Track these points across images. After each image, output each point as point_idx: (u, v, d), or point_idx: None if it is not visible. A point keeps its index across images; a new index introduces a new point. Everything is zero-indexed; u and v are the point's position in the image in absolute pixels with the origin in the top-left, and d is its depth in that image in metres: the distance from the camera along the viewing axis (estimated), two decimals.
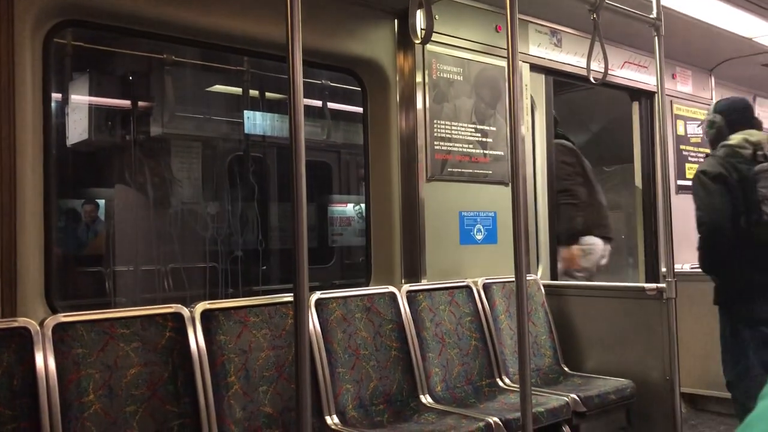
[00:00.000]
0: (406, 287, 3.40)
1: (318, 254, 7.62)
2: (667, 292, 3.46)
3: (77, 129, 6.04)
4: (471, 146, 3.88)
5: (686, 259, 5.14)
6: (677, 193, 5.28)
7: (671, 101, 5.45)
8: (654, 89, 4.25)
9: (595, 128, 8.65)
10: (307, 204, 1.85)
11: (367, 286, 3.55)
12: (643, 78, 5.19)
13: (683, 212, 5.25)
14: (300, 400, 1.88)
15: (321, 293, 3.07)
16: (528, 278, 3.95)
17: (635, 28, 3.80)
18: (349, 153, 8.07)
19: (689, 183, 5.40)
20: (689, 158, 5.48)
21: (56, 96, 5.54)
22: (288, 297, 2.86)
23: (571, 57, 4.59)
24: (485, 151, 3.94)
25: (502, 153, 3.99)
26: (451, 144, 3.78)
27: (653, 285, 3.57)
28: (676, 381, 3.43)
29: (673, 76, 5.52)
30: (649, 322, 3.58)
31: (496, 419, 2.88)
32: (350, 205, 8.25)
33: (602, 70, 3.67)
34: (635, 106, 5.42)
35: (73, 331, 2.35)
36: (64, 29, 2.77)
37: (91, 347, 2.37)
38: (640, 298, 3.62)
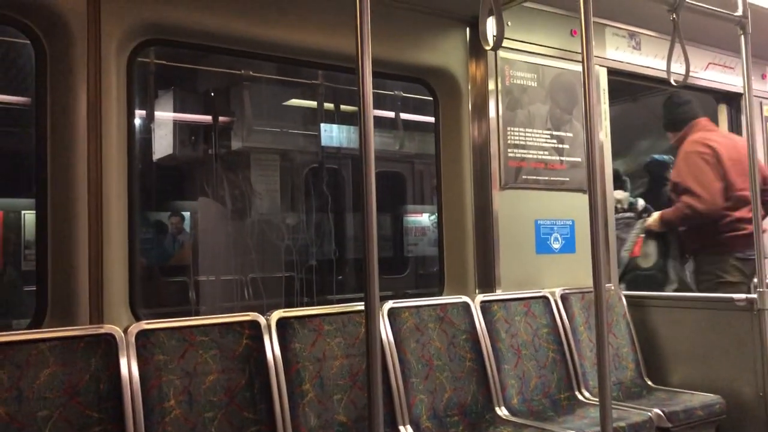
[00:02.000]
0: (480, 297, 3.35)
1: (392, 264, 7.64)
2: (758, 302, 3.28)
3: (162, 144, 6.30)
4: (546, 153, 3.80)
5: None
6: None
7: (761, 102, 5.17)
8: (742, 91, 4.06)
9: None
10: (381, 214, 1.87)
11: (440, 295, 3.52)
12: (730, 79, 4.96)
13: None
14: (372, 409, 1.87)
15: (393, 302, 3.07)
16: (608, 288, 3.84)
17: (720, 27, 3.64)
18: (423, 163, 8.08)
19: None
20: None
21: (142, 113, 5.80)
22: (361, 306, 2.88)
23: (651, 60, 4.44)
24: (562, 158, 3.85)
25: (580, 159, 3.89)
26: (525, 151, 3.72)
27: (743, 295, 3.38)
28: None
29: (763, 77, 5.24)
30: (740, 334, 3.39)
31: None
32: (425, 215, 8.25)
33: (684, 73, 3.53)
34: (721, 109, 5.18)
35: (155, 338, 2.44)
36: (147, 48, 2.89)
37: (171, 354, 2.45)
38: (730, 309, 3.44)
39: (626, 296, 3.87)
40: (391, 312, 3.04)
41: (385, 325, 2.98)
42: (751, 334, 3.33)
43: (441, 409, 3.01)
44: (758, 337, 3.28)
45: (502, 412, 3.13)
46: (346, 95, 6.79)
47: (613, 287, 3.87)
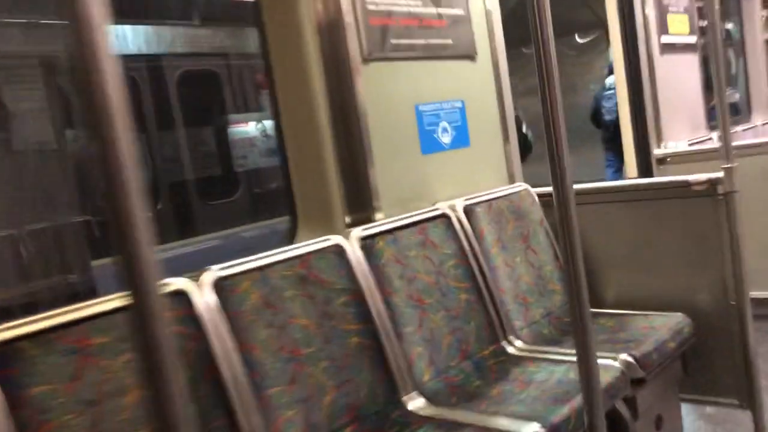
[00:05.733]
0: (357, 232, 2.17)
1: (220, 186, 6.22)
2: (724, 184, 2.42)
3: None
4: (419, 3, 2.59)
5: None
6: (662, 53, 4.19)
7: None
8: None
9: None
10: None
11: (295, 241, 2.28)
12: None
13: (671, 74, 4.25)
14: None
15: (220, 269, 1.81)
16: (517, 188, 2.84)
17: None
18: (242, 58, 6.66)
19: (672, 40, 4.37)
20: (670, 8, 4.35)
21: None
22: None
23: None
24: (439, 10, 2.66)
25: (462, 12, 2.73)
26: (391, 2, 2.48)
27: (702, 176, 2.49)
28: (746, 306, 2.44)
29: None
30: (699, 228, 2.54)
31: (536, 426, 1.77)
32: (252, 124, 6.89)
33: None
34: None
35: None
36: None
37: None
38: (684, 197, 2.55)
39: (539, 195, 2.86)
40: (218, 284, 1.78)
41: (208, 303, 1.74)
42: (715, 227, 2.48)
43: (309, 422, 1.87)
44: (725, 229, 2.44)
45: (414, 405, 2.03)
46: None
47: (522, 186, 2.86)
